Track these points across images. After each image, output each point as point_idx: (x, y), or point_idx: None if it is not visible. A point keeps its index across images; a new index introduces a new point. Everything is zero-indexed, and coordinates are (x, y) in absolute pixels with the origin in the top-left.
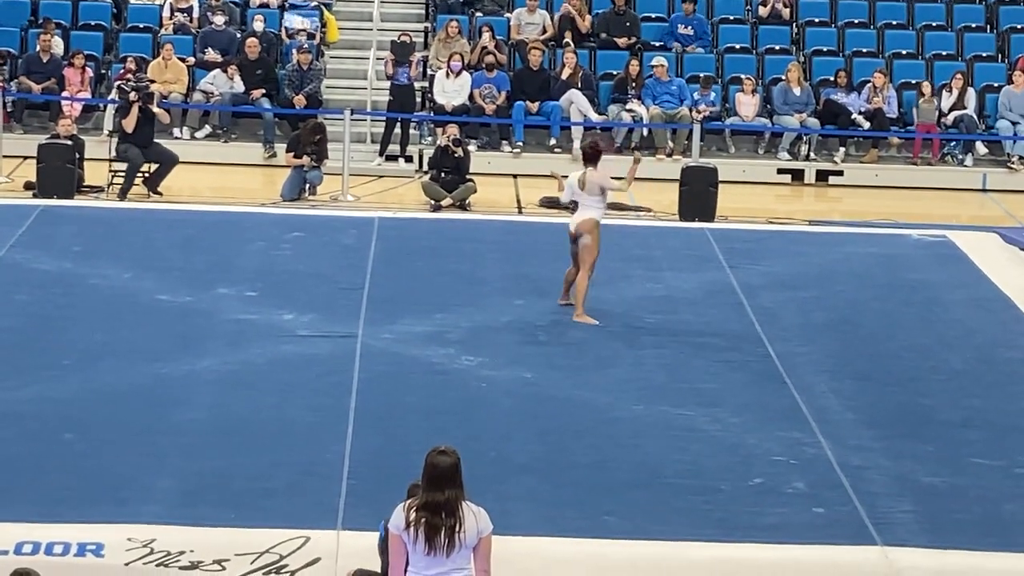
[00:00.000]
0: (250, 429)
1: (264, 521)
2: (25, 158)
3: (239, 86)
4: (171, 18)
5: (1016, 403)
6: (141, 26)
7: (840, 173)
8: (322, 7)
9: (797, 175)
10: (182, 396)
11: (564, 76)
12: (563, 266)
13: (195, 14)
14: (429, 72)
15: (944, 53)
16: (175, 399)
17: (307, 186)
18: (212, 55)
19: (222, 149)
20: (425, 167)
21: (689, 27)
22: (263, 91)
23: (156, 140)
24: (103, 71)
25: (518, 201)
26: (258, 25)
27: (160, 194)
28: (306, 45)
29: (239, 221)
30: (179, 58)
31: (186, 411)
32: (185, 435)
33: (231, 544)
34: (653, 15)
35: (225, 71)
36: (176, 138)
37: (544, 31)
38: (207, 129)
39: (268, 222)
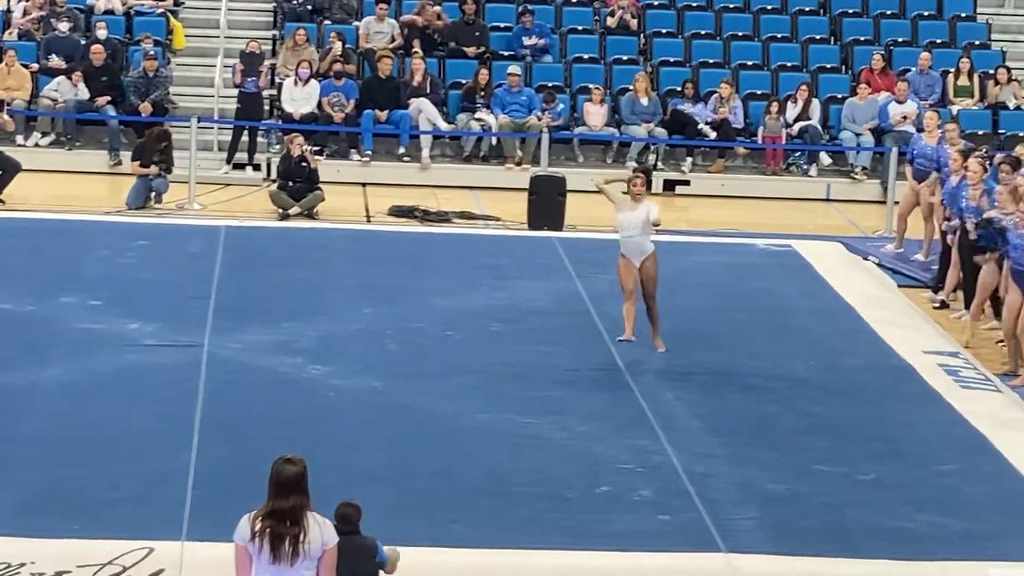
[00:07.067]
0: (94, 439)
1: (107, 532)
2: None
3: (84, 93)
4: (23, 17)
5: (859, 410)
6: None
7: (687, 183)
8: (168, 14)
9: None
10: (24, 406)
11: (415, 82)
12: (412, 273)
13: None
14: (277, 80)
15: (789, 64)
16: (17, 409)
17: (153, 194)
18: (56, 62)
19: (66, 157)
20: (273, 175)
21: (533, 36)
22: (108, 98)
23: None
24: None
25: (367, 210)
26: (101, 32)
27: (2, 202)
28: (152, 52)
29: (83, 229)
30: (22, 64)
31: (29, 421)
32: (27, 445)
33: (73, 555)
34: (502, 24)
35: (70, 78)
36: (20, 145)
37: (393, 40)
38: (51, 136)
39: (113, 230)
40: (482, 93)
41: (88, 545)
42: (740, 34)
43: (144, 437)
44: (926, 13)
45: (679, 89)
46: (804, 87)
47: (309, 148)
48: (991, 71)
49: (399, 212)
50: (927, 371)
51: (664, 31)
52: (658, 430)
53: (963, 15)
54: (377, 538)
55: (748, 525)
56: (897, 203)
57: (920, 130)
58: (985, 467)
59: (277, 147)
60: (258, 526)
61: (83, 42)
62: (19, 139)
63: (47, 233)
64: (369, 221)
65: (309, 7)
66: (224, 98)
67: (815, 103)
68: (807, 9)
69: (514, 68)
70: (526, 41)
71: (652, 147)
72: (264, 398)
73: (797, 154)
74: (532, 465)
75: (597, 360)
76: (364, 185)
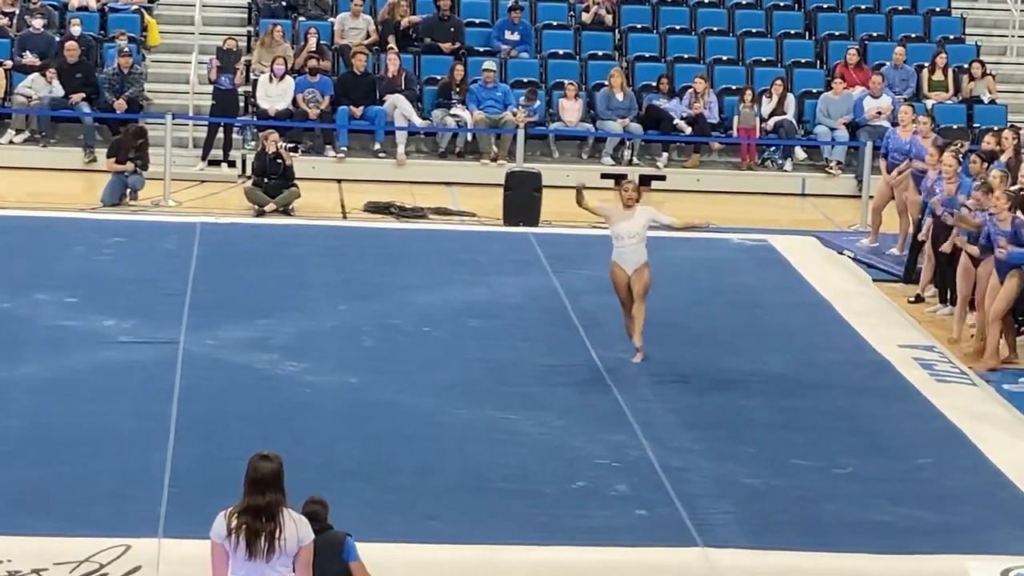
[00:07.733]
0: (70, 436)
1: (84, 529)
2: None
3: (58, 90)
4: None
5: (835, 404)
6: None
7: (662, 178)
8: (143, 10)
9: (620, 180)
10: None
11: (390, 77)
12: (388, 269)
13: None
14: (252, 76)
15: (764, 59)
16: None
17: (128, 191)
18: (30, 58)
19: (41, 154)
20: (249, 172)
21: (515, 33)
22: (83, 95)
23: None
24: None
25: (342, 206)
26: (75, 29)
27: None
28: (127, 48)
29: (58, 226)
30: None
31: (3, 418)
32: (2, 443)
33: (49, 553)
34: (477, 20)
35: (44, 75)
36: None
37: (368, 36)
38: (25, 134)
39: (88, 227)
40: (457, 89)
41: (65, 543)
42: (715, 29)
43: (120, 434)
44: (901, 8)
45: (654, 84)
46: (779, 82)
47: (284, 144)
48: (965, 65)
49: (375, 208)
50: (903, 365)
51: (639, 26)
52: (635, 425)
53: (938, 10)
54: (351, 534)
55: (725, 519)
56: (872, 197)
57: (895, 124)
58: (962, 460)
59: (252, 144)
60: (234, 522)
61: (57, 39)
62: None
63: (21, 230)
64: (345, 217)
65: (284, 3)
66: (199, 95)
67: (790, 98)
68: (782, 4)
69: (489, 64)
70: (508, 36)
71: (627, 142)
72: (240, 395)
73: (772, 149)
74: (509, 461)
75: (574, 356)
76: (340, 181)
